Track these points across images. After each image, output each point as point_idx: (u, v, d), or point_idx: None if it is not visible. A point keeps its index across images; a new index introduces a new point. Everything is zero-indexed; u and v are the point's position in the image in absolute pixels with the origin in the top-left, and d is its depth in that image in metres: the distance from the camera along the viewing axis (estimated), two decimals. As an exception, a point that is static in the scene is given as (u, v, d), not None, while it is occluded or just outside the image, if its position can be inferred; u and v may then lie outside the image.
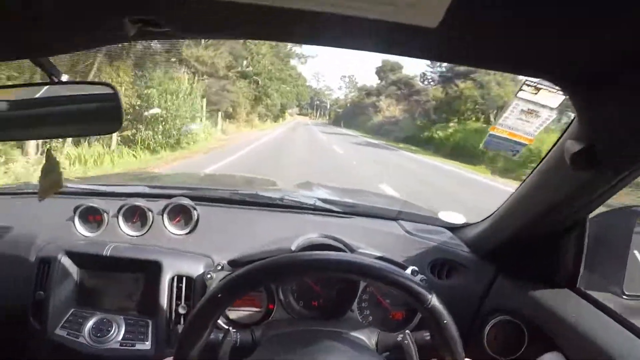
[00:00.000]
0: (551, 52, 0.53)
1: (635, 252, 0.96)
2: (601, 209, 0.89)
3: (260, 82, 19.32)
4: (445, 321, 0.66)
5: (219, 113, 15.05)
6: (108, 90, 0.85)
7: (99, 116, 0.87)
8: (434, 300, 0.66)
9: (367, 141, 19.36)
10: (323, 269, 0.69)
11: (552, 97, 0.84)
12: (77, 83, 0.85)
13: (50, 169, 0.87)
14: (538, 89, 0.83)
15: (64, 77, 0.77)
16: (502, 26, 0.46)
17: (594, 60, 0.52)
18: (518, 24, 0.45)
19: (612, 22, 0.42)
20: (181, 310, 1.04)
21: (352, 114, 37.05)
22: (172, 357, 0.68)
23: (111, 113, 0.85)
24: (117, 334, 1.03)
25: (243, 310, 1.07)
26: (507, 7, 0.41)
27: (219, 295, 0.65)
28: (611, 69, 0.53)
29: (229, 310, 1.06)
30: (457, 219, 1.30)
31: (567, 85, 0.64)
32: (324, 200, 1.36)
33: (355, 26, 0.46)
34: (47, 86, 0.80)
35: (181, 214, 1.23)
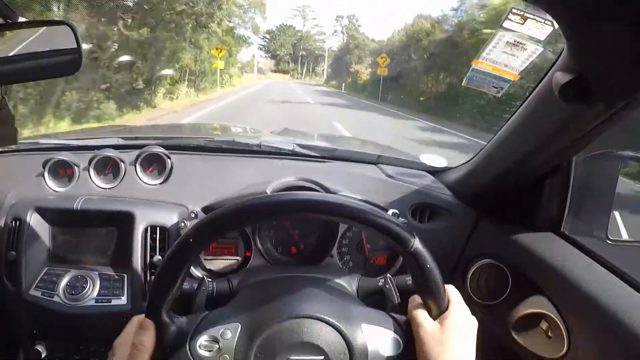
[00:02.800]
0: None
1: (620, 195, 0.96)
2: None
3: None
4: (428, 265, 0.63)
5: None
6: (67, 29, 0.82)
7: (59, 57, 0.84)
8: (417, 244, 0.62)
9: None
10: (299, 209, 0.64)
11: (539, 27, 0.79)
12: (34, 23, 0.80)
13: (3, 120, 0.82)
14: (525, 18, 0.78)
15: (21, 19, 0.74)
16: None
17: None
18: None
19: None
20: (156, 262, 1.01)
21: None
22: None
23: (70, 54, 0.83)
24: (92, 290, 1.01)
25: (220, 259, 1.06)
26: None
27: (191, 240, 0.61)
28: None
29: (206, 260, 1.05)
30: (439, 162, 1.28)
31: (556, 10, 0.60)
32: (303, 146, 1.32)
33: None
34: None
35: (155, 163, 1.19)
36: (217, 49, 16.35)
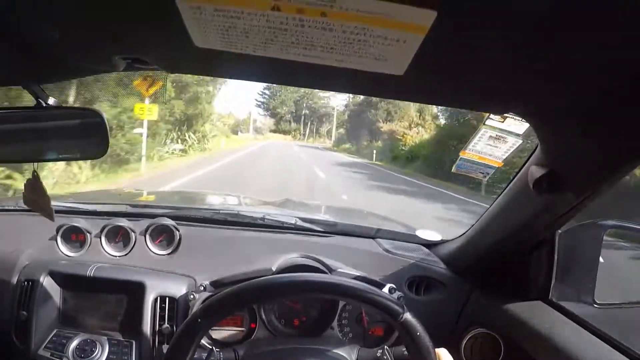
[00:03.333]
0: (513, 91, 0.57)
1: (604, 262, 1.02)
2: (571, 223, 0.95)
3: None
4: (418, 333, 0.69)
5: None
6: (95, 116, 0.86)
7: (86, 141, 0.88)
8: (407, 315, 0.69)
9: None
10: (300, 290, 0.71)
11: (517, 125, 0.89)
12: (65, 108, 0.86)
13: (41, 192, 0.88)
14: (504, 118, 0.88)
15: (51, 101, 0.78)
16: (465, 70, 0.50)
17: (553, 96, 0.56)
18: (480, 67, 0.48)
19: (566, 61, 0.45)
20: (165, 331, 1.05)
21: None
22: None
23: (97, 139, 0.87)
24: (101, 354, 1.04)
25: (226, 330, 1.09)
26: (467, 54, 0.45)
27: (199, 320, 0.68)
28: (568, 102, 0.57)
29: (212, 330, 1.08)
30: (434, 236, 1.34)
31: (530, 117, 0.69)
32: (305, 220, 1.38)
33: (334, 73, 0.50)
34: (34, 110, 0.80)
35: (164, 234, 1.25)
36: (144, 79, 8.83)
